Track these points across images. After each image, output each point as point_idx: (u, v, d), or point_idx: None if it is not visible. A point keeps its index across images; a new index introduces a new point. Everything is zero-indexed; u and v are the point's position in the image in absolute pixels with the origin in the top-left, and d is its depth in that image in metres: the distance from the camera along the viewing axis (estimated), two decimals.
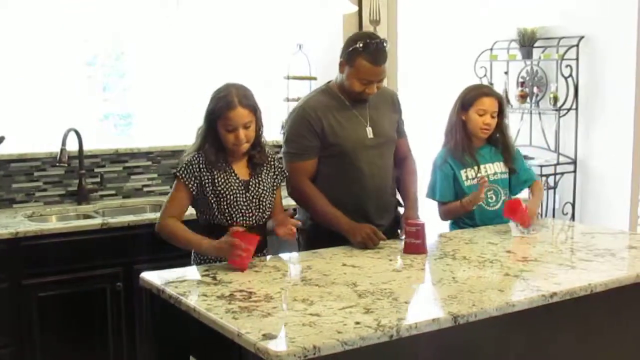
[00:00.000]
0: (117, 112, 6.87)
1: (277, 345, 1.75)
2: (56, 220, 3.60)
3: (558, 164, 5.32)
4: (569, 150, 5.37)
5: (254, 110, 2.62)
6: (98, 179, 3.84)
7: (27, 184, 3.69)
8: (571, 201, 5.36)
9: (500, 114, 3.20)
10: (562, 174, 5.35)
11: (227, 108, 2.56)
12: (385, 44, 2.79)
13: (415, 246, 2.65)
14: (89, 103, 6.37)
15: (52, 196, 3.75)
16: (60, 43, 5.97)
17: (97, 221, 3.35)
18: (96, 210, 3.73)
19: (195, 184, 2.61)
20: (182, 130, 4.76)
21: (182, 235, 2.58)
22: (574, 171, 5.36)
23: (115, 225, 3.32)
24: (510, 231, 3.00)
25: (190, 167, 2.62)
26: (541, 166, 5.30)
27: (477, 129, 3.17)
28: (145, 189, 4.00)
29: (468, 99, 3.18)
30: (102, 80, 6.76)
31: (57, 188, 3.76)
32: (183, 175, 2.61)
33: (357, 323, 1.90)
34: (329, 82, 3.01)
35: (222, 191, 2.61)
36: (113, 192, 3.91)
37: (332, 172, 2.89)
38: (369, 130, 2.92)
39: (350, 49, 2.79)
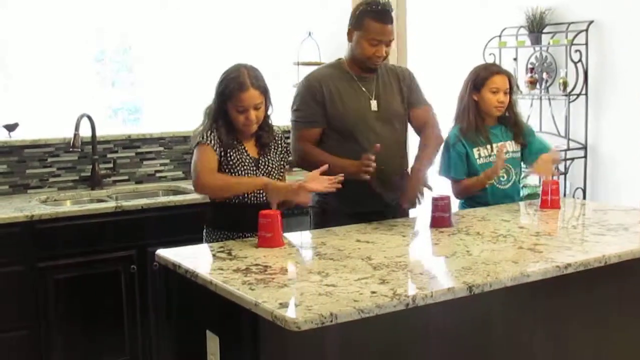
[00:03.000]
0: (126, 107, 6.90)
1: (295, 313, 1.77)
2: (70, 204, 3.63)
3: (568, 149, 5.31)
4: (579, 135, 5.36)
5: (265, 91, 2.64)
6: (111, 165, 3.86)
7: (41, 170, 3.71)
8: (582, 187, 5.36)
9: (511, 91, 3.22)
10: (573, 159, 5.35)
11: (239, 89, 2.57)
12: (389, 8, 2.86)
13: (443, 219, 2.67)
14: (98, 99, 6.42)
15: (65, 181, 3.77)
16: (70, 38, 6.02)
17: (111, 204, 3.37)
18: (109, 195, 3.75)
19: (218, 151, 2.61)
20: (192, 120, 4.80)
21: (234, 182, 2.60)
22: (585, 157, 5.35)
23: (128, 208, 3.34)
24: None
25: (211, 135, 2.61)
26: None
27: (491, 108, 3.18)
28: (158, 175, 4.02)
29: (480, 79, 3.19)
30: (110, 76, 6.80)
31: (71, 173, 3.79)
32: (208, 140, 2.59)
33: (373, 292, 1.91)
34: (339, 58, 3.04)
35: (235, 168, 2.63)
36: (126, 177, 3.93)
37: (335, 145, 2.89)
38: (374, 103, 2.93)
39: (357, 12, 2.87)
